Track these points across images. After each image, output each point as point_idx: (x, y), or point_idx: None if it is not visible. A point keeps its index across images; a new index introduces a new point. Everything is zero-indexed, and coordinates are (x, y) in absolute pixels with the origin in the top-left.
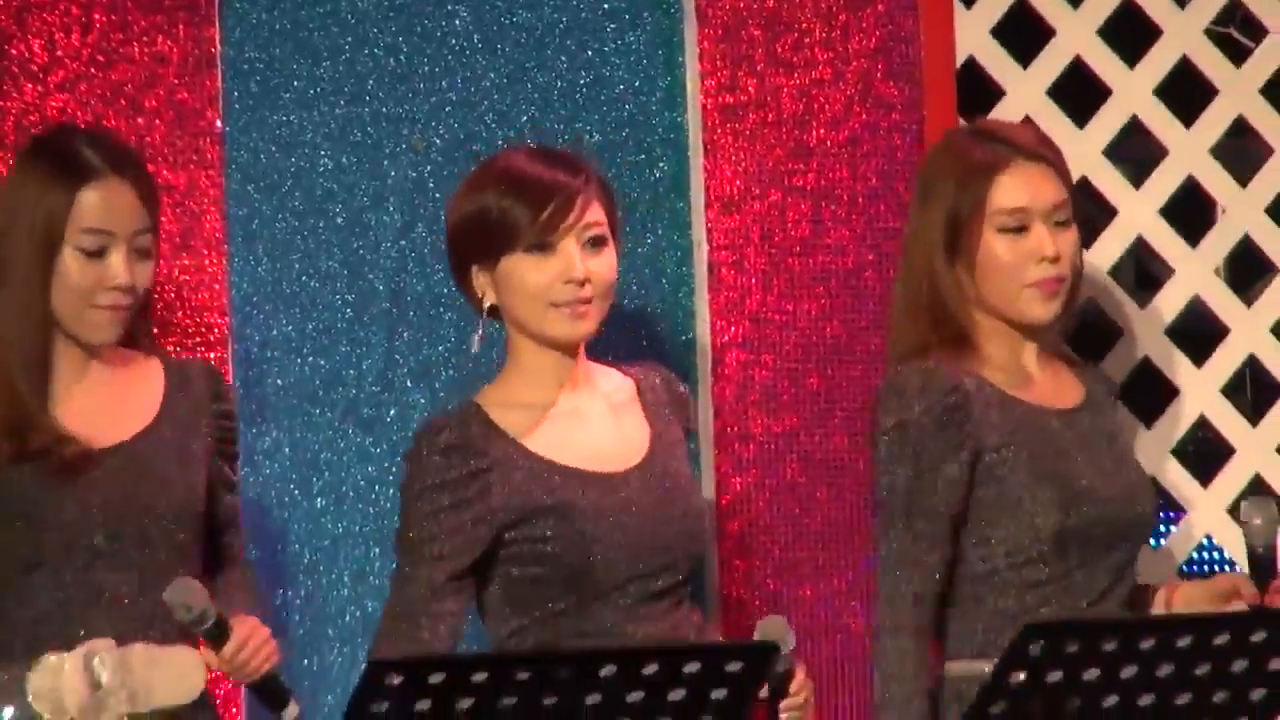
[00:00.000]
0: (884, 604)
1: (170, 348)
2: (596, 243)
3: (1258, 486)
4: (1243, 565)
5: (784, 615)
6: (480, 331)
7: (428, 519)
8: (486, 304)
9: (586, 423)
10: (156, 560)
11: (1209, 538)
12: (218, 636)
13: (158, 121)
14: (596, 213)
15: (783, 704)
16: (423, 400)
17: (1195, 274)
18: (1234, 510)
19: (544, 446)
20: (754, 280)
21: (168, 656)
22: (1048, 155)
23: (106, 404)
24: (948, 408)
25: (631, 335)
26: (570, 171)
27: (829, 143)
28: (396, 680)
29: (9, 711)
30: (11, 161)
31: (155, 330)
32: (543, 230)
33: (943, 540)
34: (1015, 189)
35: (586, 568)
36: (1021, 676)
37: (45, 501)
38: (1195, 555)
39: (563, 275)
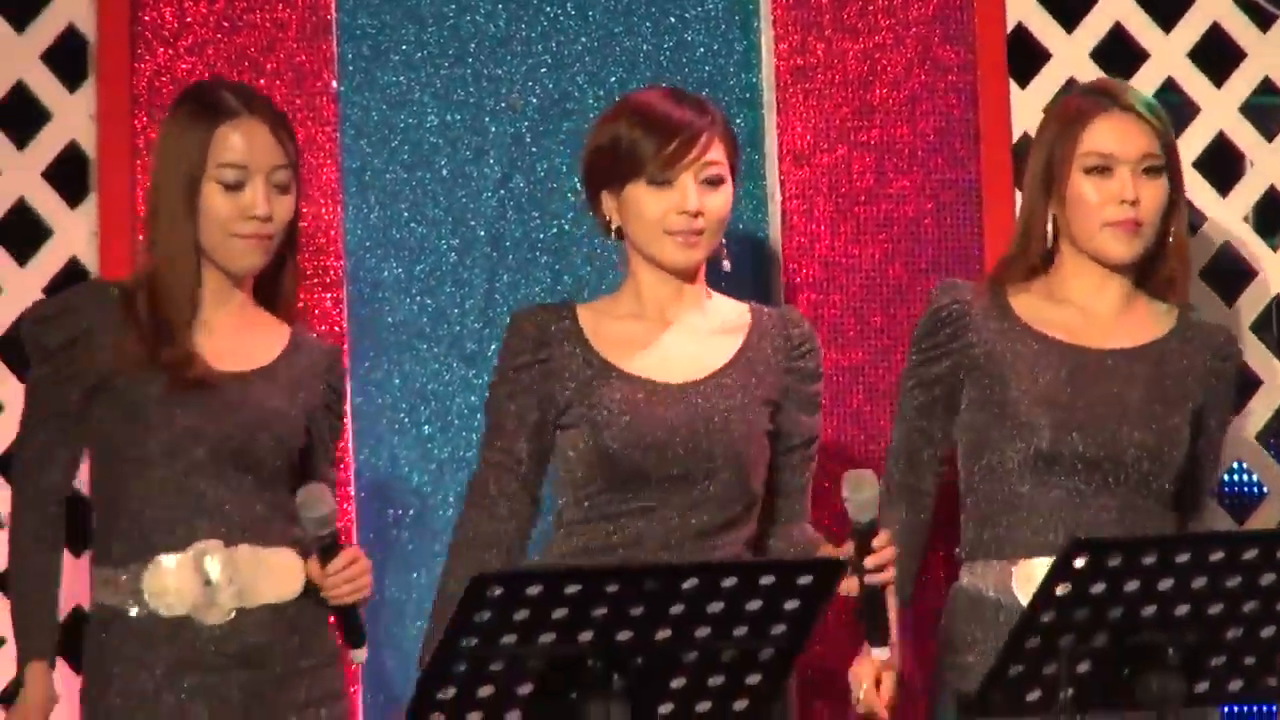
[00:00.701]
0: (882, 484)
1: None
2: (713, 181)
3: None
4: None
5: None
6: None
7: (500, 401)
8: (613, 226)
9: (668, 338)
10: (249, 480)
11: (1239, 462)
12: (329, 549)
13: (278, 82)
14: (717, 153)
15: (868, 560)
16: None
17: (1226, 220)
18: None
19: (613, 352)
20: (823, 227)
21: (271, 558)
22: (1143, 110)
23: (236, 339)
24: (942, 323)
25: (712, 275)
26: (696, 112)
27: (890, 102)
28: (497, 592)
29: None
30: (144, 116)
31: (300, 306)
32: (664, 164)
33: (920, 415)
34: (1105, 134)
35: (614, 461)
36: (1065, 588)
37: (160, 409)
38: (1228, 478)
39: (678, 207)
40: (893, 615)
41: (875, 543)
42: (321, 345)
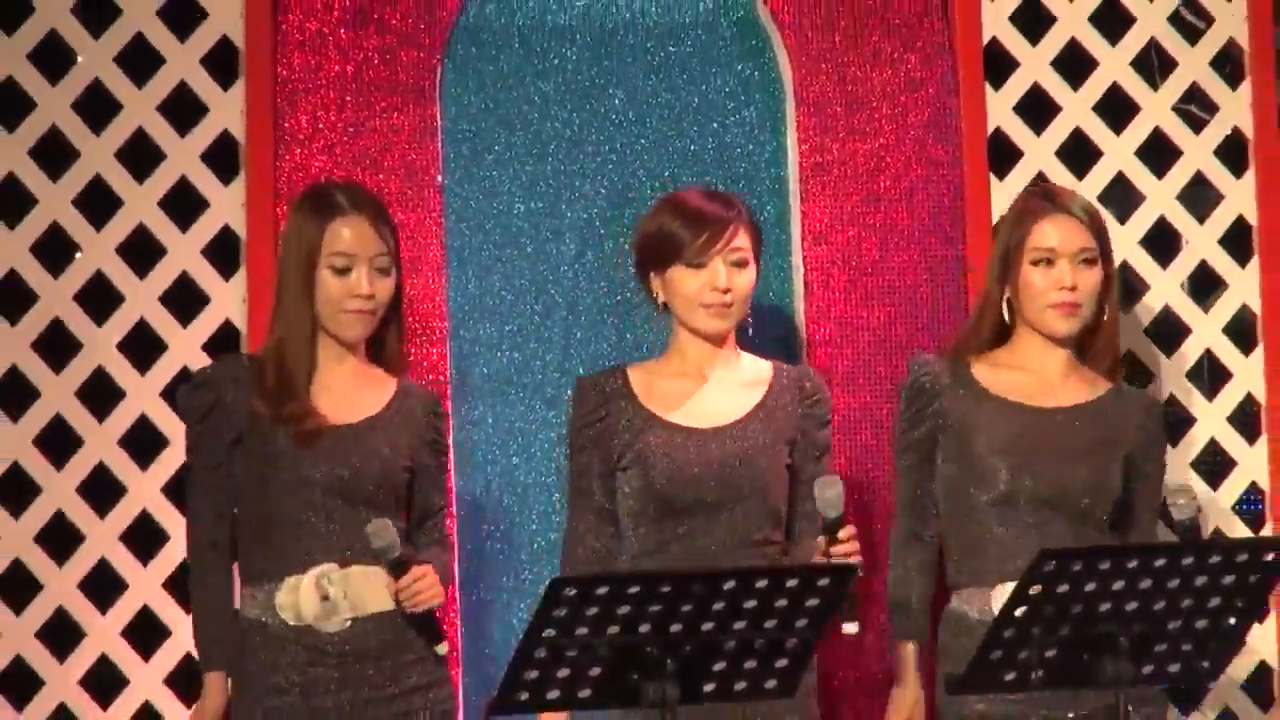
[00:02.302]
0: (892, 541)
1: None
2: (740, 263)
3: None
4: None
5: (864, 557)
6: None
7: (576, 453)
8: (660, 301)
9: (704, 391)
10: (361, 512)
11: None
12: (398, 568)
13: (394, 178)
14: (743, 240)
15: (835, 548)
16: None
17: (1166, 287)
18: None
19: (659, 405)
20: (838, 294)
21: (374, 577)
22: (1078, 212)
23: (350, 395)
24: (919, 393)
25: (748, 335)
26: (725, 207)
27: (893, 192)
28: (571, 592)
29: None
30: (284, 205)
31: (408, 360)
32: (699, 251)
33: (910, 474)
34: (1048, 233)
35: (666, 499)
36: (1036, 589)
37: (284, 458)
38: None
39: (710, 284)
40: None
41: (841, 534)
42: (424, 393)
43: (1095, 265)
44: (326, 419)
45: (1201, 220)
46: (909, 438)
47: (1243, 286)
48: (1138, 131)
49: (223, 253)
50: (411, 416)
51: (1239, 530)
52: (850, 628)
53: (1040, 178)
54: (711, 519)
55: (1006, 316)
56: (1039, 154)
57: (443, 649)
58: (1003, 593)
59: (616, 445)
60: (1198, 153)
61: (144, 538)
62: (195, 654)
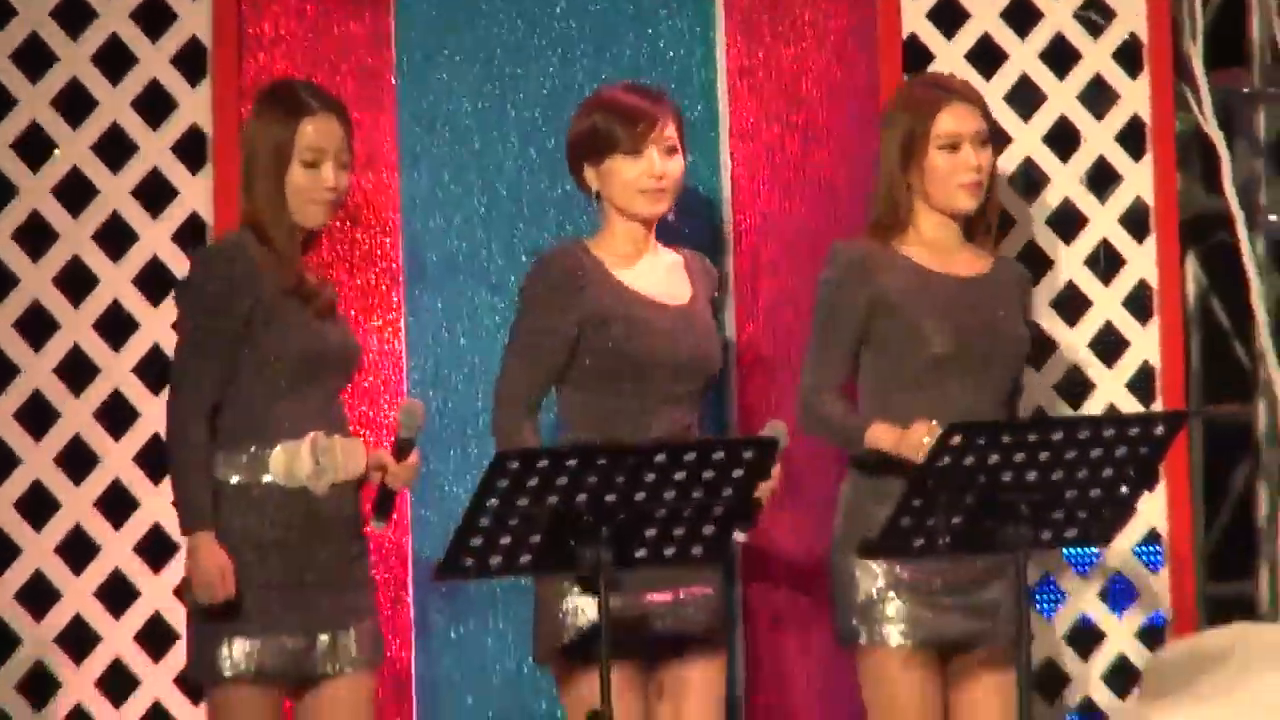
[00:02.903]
0: (802, 391)
1: (359, 235)
2: (671, 150)
3: None
4: None
5: (780, 418)
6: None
7: (541, 315)
8: (595, 190)
9: (651, 272)
10: (338, 388)
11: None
12: (406, 450)
13: (350, 79)
14: (672, 130)
15: (762, 485)
16: (527, 266)
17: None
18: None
19: (627, 277)
20: (762, 186)
21: (354, 445)
22: (974, 98)
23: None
24: (850, 266)
25: (679, 224)
26: (654, 100)
27: (814, 93)
28: (514, 465)
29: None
30: (249, 105)
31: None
32: (635, 141)
33: (843, 355)
34: (952, 120)
35: (642, 366)
36: (944, 460)
37: (296, 330)
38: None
39: (647, 171)
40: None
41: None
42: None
43: (988, 145)
44: (329, 298)
45: (1099, 118)
46: (837, 308)
47: (1136, 180)
48: (1040, 36)
49: (190, 150)
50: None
51: (1132, 406)
52: (740, 536)
53: (914, 80)
54: (672, 392)
55: (908, 201)
56: (949, 58)
57: (380, 526)
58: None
59: (596, 307)
60: (1096, 56)
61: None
62: (179, 521)
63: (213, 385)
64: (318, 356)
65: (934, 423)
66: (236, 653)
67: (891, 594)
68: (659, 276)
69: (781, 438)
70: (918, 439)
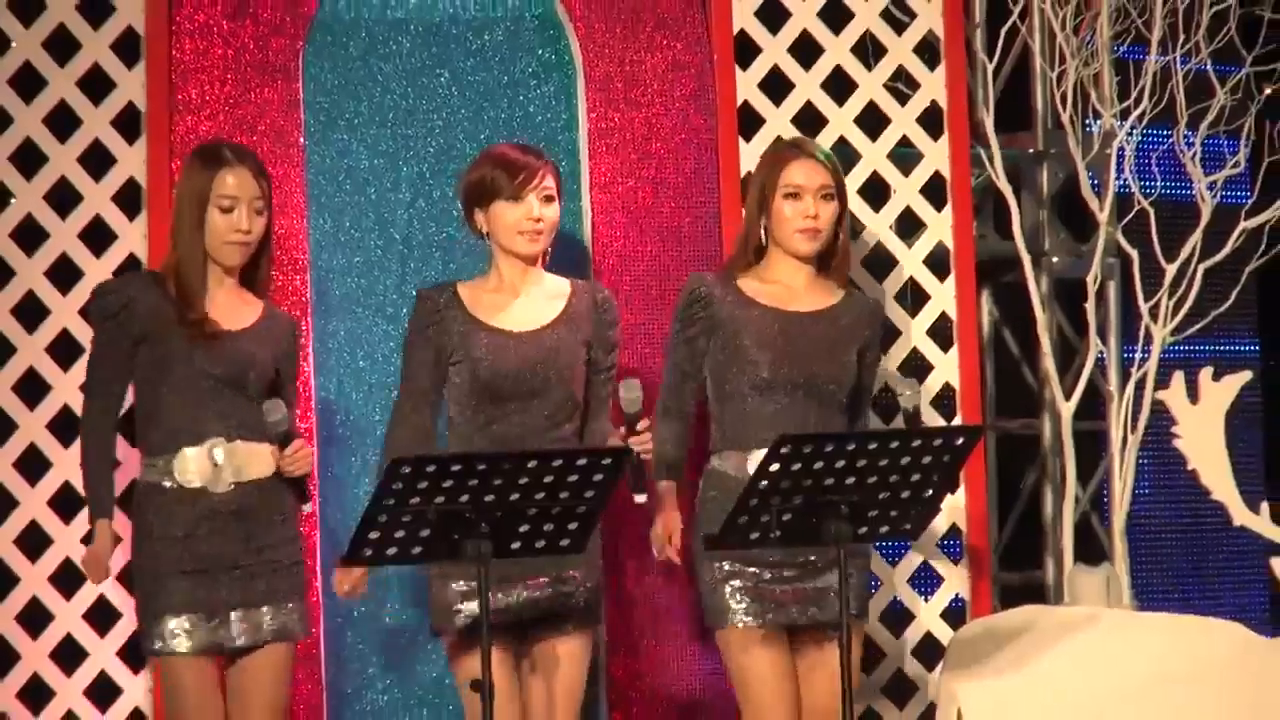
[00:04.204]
0: (658, 406)
1: (273, 272)
2: (548, 198)
3: None
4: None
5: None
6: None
7: (410, 351)
8: (484, 230)
9: (516, 303)
10: (241, 399)
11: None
12: (285, 440)
13: (265, 139)
14: (550, 181)
15: (633, 440)
16: None
17: (877, 228)
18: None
19: (483, 313)
20: (618, 231)
21: (255, 450)
22: (820, 156)
23: (229, 309)
24: (694, 301)
25: (555, 257)
26: (536, 155)
27: (662, 151)
28: (406, 470)
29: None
30: (178, 162)
31: (270, 287)
32: (517, 189)
33: (677, 368)
34: (798, 174)
35: (485, 384)
36: (775, 466)
37: (184, 354)
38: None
39: (527, 215)
40: (662, 486)
41: (639, 426)
42: (285, 316)
43: (833, 200)
44: (218, 324)
45: (906, 174)
46: (683, 335)
47: (938, 228)
48: (856, 103)
49: (128, 199)
50: (275, 332)
51: (935, 420)
52: (639, 498)
53: (778, 140)
54: (525, 405)
55: (764, 241)
56: (778, 122)
57: (307, 508)
58: (757, 457)
59: (449, 344)
60: (904, 121)
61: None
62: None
63: (109, 394)
64: (213, 376)
65: (675, 535)
66: (167, 630)
67: (741, 582)
68: (526, 306)
69: (635, 394)
70: (663, 535)
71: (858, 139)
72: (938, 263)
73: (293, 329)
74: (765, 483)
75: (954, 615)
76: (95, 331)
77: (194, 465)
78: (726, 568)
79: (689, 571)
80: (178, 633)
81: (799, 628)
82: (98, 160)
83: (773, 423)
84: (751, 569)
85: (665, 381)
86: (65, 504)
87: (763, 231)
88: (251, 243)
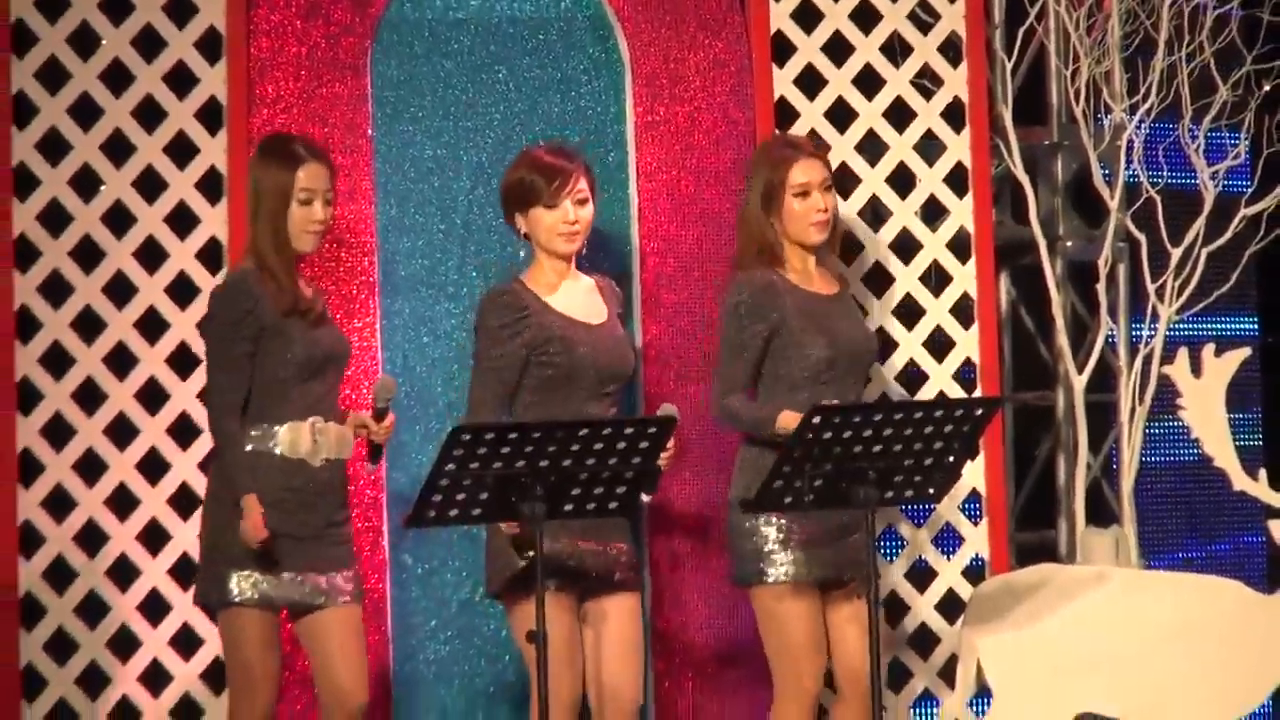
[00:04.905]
0: (716, 393)
1: (343, 254)
2: (582, 201)
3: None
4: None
5: (674, 403)
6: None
7: (495, 343)
8: (523, 233)
9: (573, 296)
10: (335, 381)
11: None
12: (383, 414)
13: (336, 130)
14: (583, 184)
15: (661, 456)
16: (481, 285)
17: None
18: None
19: (557, 304)
20: (663, 217)
21: (345, 433)
22: (819, 154)
23: (310, 290)
24: (760, 295)
25: (596, 242)
26: (569, 159)
27: (704, 143)
28: (467, 438)
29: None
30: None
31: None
32: (552, 195)
33: (749, 362)
34: (802, 173)
35: (576, 374)
36: (808, 435)
37: (298, 339)
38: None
39: (563, 219)
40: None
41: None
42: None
43: (831, 188)
44: (317, 309)
45: (930, 164)
46: (745, 333)
47: (960, 214)
48: (884, 99)
49: (210, 186)
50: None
51: (957, 393)
52: (645, 498)
53: (813, 134)
54: (597, 388)
55: (774, 239)
56: (810, 115)
57: (371, 467)
58: None
59: (539, 334)
60: (928, 115)
61: (154, 397)
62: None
63: (234, 390)
64: (315, 359)
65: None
66: (244, 584)
67: (778, 543)
68: (580, 300)
69: (672, 414)
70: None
71: (886, 131)
72: (960, 246)
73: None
74: (799, 451)
75: (974, 573)
76: (219, 334)
77: (296, 438)
78: (767, 529)
79: (727, 529)
80: (254, 586)
81: (830, 584)
82: (182, 150)
83: (813, 400)
84: (790, 530)
85: (729, 371)
86: (150, 467)
87: (773, 229)
88: (326, 231)
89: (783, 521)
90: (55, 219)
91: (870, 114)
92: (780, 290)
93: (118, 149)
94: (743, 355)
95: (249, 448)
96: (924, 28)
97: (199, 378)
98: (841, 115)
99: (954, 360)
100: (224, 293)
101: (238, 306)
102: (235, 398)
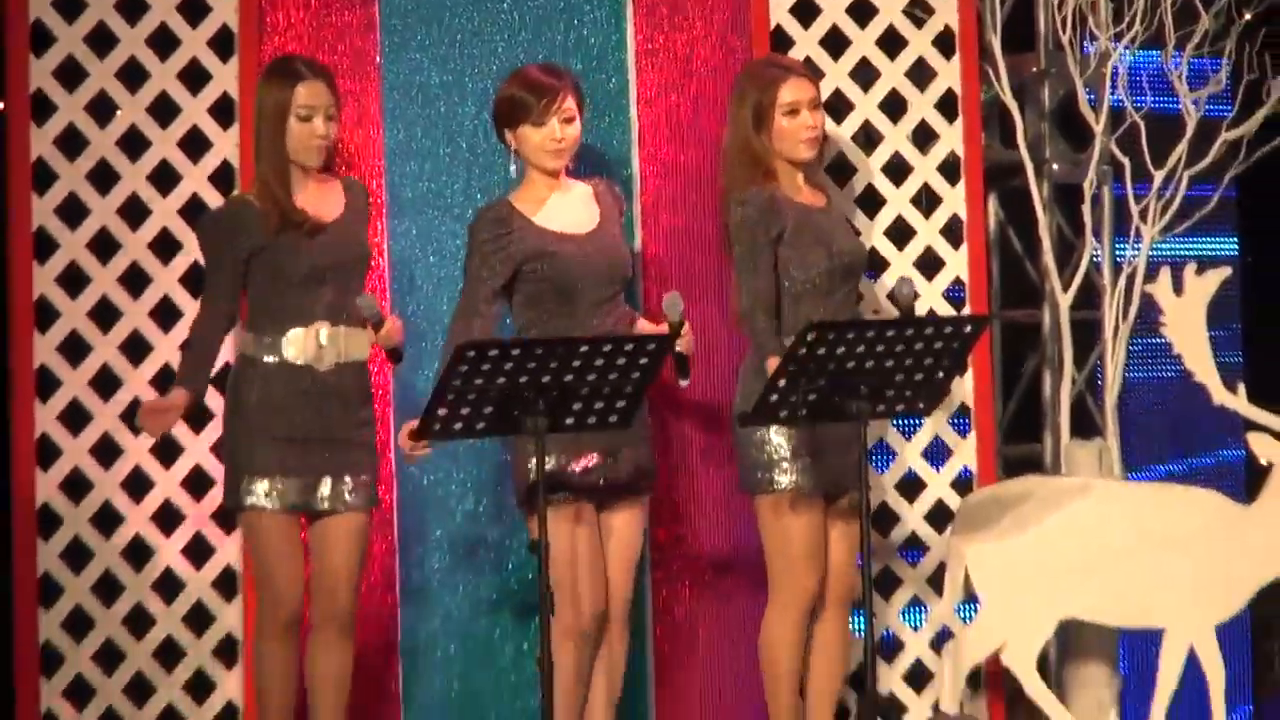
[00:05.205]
0: (746, 308)
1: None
2: (569, 120)
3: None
4: None
5: (679, 291)
6: (514, 164)
7: (481, 257)
8: (514, 148)
9: (564, 208)
10: (346, 286)
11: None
12: (379, 325)
13: (345, 58)
14: (571, 102)
15: (679, 343)
16: (481, 202)
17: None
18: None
19: (543, 220)
20: (663, 141)
21: (356, 333)
22: (805, 72)
23: (319, 200)
24: (765, 206)
25: (597, 165)
26: (556, 78)
27: (702, 69)
28: (472, 354)
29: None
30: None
31: (338, 163)
32: (540, 113)
33: (767, 271)
34: (789, 92)
35: (566, 285)
36: (803, 350)
37: (294, 251)
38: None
39: (550, 136)
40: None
41: (683, 331)
42: (358, 182)
43: (819, 107)
44: (319, 218)
45: (922, 90)
46: (759, 242)
47: (950, 138)
48: (877, 27)
49: (222, 111)
50: (357, 204)
51: (947, 310)
52: (683, 382)
53: (808, 61)
54: (594, 296)
55: (766, 156)
56: (805, 43)
57: (396, 365)
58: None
59: (523, 250)
60: (920, 43)
61: (170, 315)
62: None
63: (224, 297)
64: (317, 268)
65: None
66: (257, 489)
67: (788, 452)
68: (569, 211)
69: (677, 305)
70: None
71: (878, 59)
72: (950, 169)
73: (365, 191)
74: (794, 365)
75: (962, 484)
76: (208, 254)
77: (301, 344)
78: (772, 440)
79: (731, 441)
80: (268, 491)
81: (830, 496)
82: (195, 76)
83: (816, 309)
84: (793, 441)
85: (757, 289)
86: (164, 450)
87: (764, 147)
88: (329, 145)
89: (791, 431)
90: (70, 139)
91: (864, 41)
92: (780, 203)
93: (132, 75)
94: (760, 265)
95: (257, 355)
96: None
97: None
98: (836, 43)
99: (944, 279)
100: (204, 220)
101: (220, 231)
102: (220, 305)
